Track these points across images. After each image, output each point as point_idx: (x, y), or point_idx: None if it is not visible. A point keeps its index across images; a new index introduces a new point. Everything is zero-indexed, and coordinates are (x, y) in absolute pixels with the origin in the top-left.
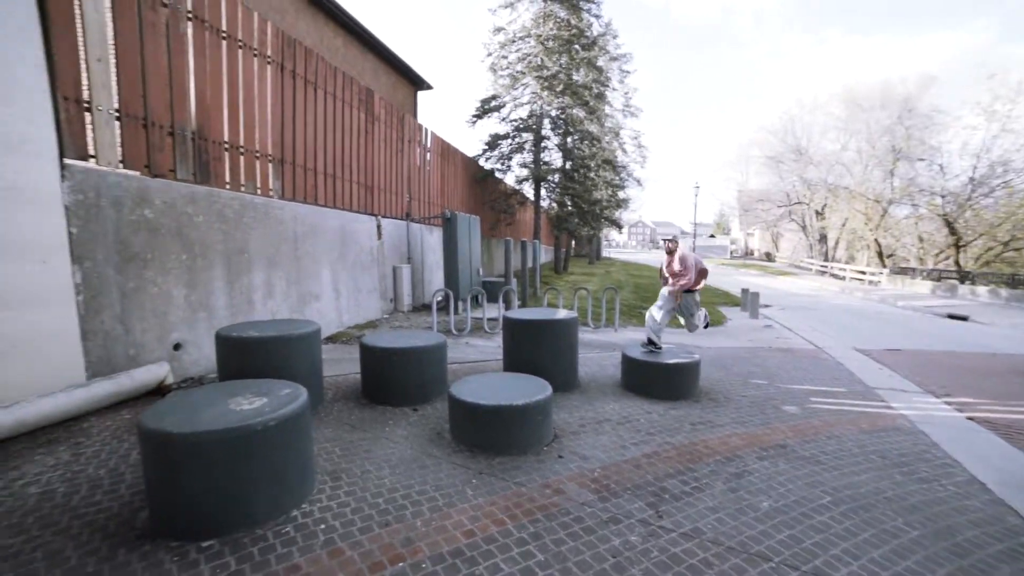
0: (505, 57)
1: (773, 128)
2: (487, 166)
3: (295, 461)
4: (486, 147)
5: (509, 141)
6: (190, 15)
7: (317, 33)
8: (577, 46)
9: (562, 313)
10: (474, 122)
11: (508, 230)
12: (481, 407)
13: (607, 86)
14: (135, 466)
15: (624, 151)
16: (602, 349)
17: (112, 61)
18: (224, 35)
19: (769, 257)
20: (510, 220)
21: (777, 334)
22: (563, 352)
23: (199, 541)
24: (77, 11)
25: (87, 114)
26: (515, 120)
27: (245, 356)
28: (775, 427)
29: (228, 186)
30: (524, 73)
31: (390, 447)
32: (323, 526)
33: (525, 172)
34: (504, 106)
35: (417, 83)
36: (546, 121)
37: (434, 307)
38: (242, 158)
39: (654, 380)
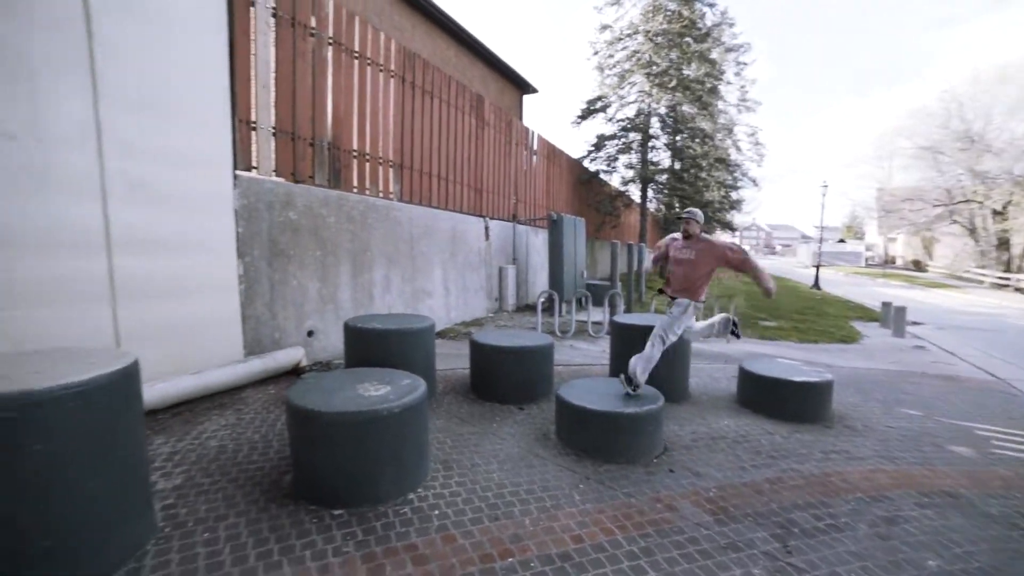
0: (612, 56)
1: (931, 112)
2: (592, 167)
3: (413, 447)
4: (591, 148)
5: (615, 141)
6: (331, 41)
7: (432, 45)
8: (689, 39)
9: None
10: (579, 123)
11: (613, 232)
12: (589, 412)
13: (721, 79)
14: (280, 435)
15: (738, 148)
16: (713, 360)
17: (272, 86)
18: (356, 55)
19: (918, 266)
20: (615, 222)
21: (933, 357)
22: (673, 361)
23: (331, 509)
24: (252, 49)
25: (253, 132)
26: (622, 120)
27: (369, 345)
28: (939, 470)
29: (355, 190)
30: (632, 71)
31: (498, 443)
32: (437, 512)
33: (631, 173)
34: (610, 106)
35: (522, 87)
36: (654, 119)
37: (539, 308)
38: (367, 164)
39: (777, 398)
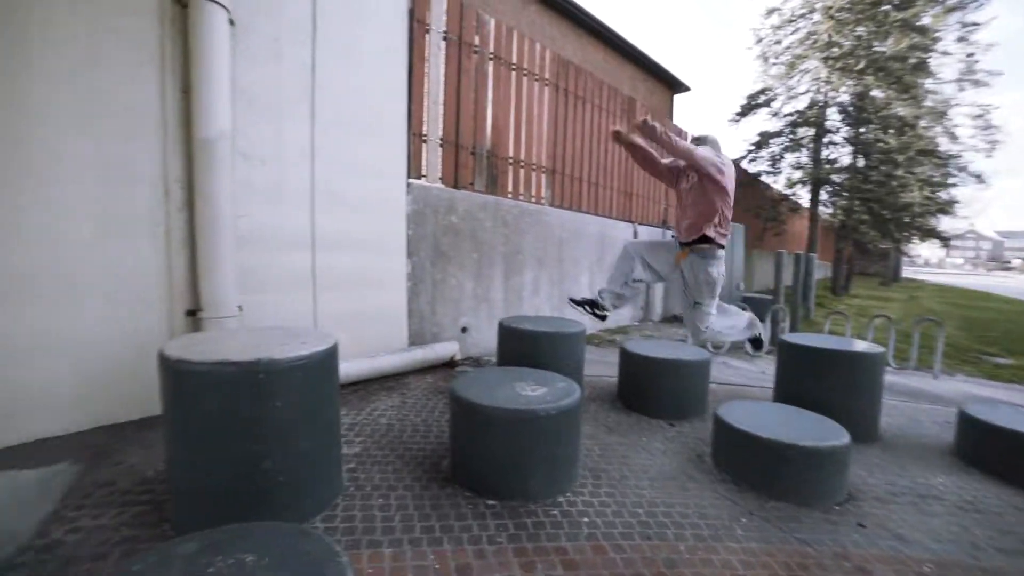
0: (778, 42)
1: None
2: (752, 169)
3: (566, 451)
4: (752, 148)
5: (781, 139)
6: (491, 56)
7: (581, 51)
8: (887, 6)
9: (862, 344)
10: (737, 121)
11: (775, 241)
12: (755, 438)
13: (932, 51)
14: (438, 421)
15: (953, 136)
16: (911, 398)
17: (441, 102)
18: (514, 67)
19: None
20: (778, 229)
21: None
22: (861, 393)
23: (485, 498)
24: (426, 70)
25: (423, 144)
26: (789, 114)
27: (521, 345)
28: None
29: (510, 195)
30: (804, 56)
31: (648, 458)
32: (586, 519)
33: (799, 174)
34: (775, 99)
35: (673, 86)
36: (831, 111)
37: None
38: (522, 170)
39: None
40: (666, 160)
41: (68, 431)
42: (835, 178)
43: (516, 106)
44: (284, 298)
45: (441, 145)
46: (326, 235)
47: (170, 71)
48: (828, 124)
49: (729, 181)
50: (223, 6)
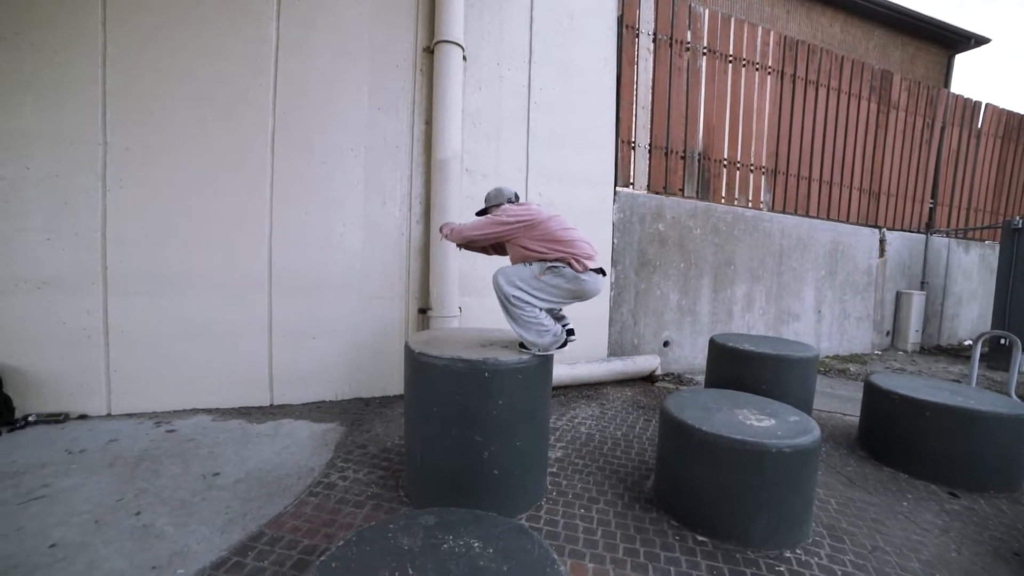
0: None
1: None
2: None
3: (797, 498)
4: None
5: None
6: (705, 50)
7: (811, 27)
8: None
9: None
10: None
11: None
12: None
13: None
14: (640, 437)
15: None
16: None
17: (649, 106)
18: (731, 58)
19: None
20: None
21: None
22: None
23: (694, 532)
24: (634, 75)
25: (631, 151)
26: None
27: (737, 367)
28: None
29: (723, 200)
30: None
31: (915, 533)
32: None
33: None
34: None
35: (952, 43)
36: None
37: (975, 354)
38: (737, 173)
39: None
40: (505, 227)
41: (337, 398)
42: None
43: (732, 102)
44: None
45: (649, 151)
46: None
47: (418, 106)
48: None
49: (516, 219)
50: (459, 45)
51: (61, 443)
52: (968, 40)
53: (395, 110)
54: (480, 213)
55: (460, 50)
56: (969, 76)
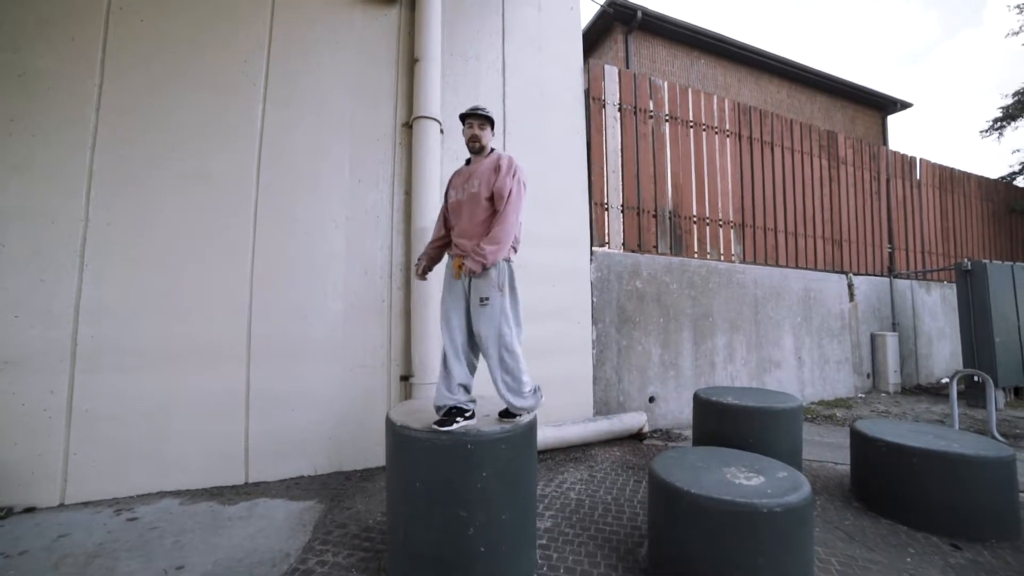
0: None
1: None
2: None
3: (795, 560)
4: None
5: None
6: (667, 117)
7: (760, 93)
8: None
9: None
10: (999, 128)
11: None
12: None
13: None
14: (630, 499)
15: None
16: None
17: (619, 169)
18: (691, 124)
19: None
20: None
21: None
22: None
23: None
24: (603, 141)
25: (605, 212)
26: None
27: (723, 422)
28: None
29: (696, 255)
30: None
31: None
32: None
33: None
34: None
35: (882, 107)
36: None
37: (953, 394)
38: (707, 228)
39: None
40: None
41: (316, 472)
42: None
43: (697, 162)
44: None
45: (622, 211)
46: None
47: (398, 177)
48: None
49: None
50: (436, 120)
51: None
52: (895, 104)
53: (375, 182)
54: (475, 151)
55: (437, 124)
56: (902, 135)
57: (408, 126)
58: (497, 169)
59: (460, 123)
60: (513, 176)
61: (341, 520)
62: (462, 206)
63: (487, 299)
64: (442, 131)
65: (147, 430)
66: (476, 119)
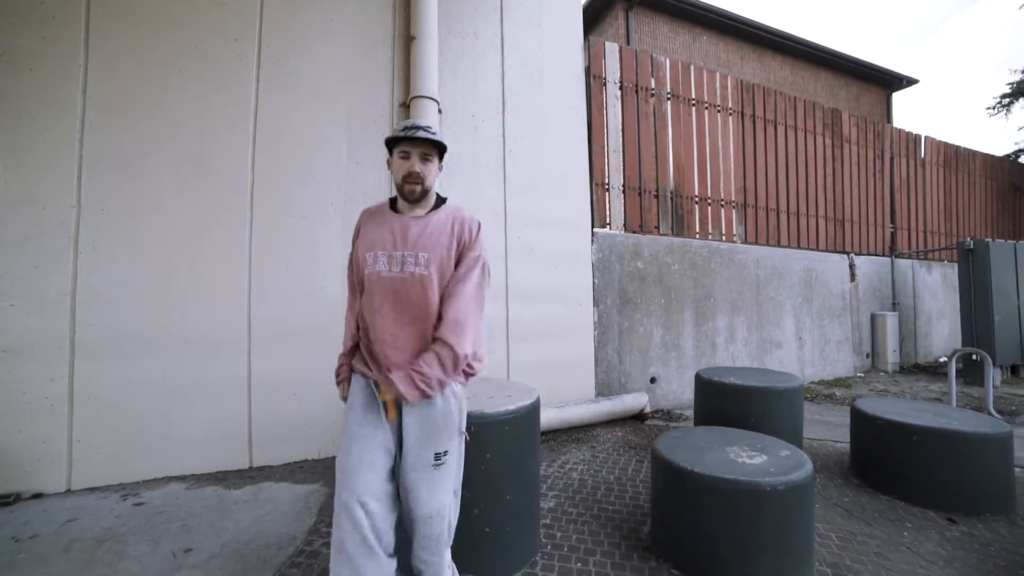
0: None
1: None
2: None
3: (797, 537)
4: None
5: None
6: (669, 95)
7: (763, 71)
8: None
9: None
10: (1007, 105)
11: None
12: None
13: None
14: (633, 479)
15: None
16: None
17: (620, 149)
18: (693, 102)
19: None
20: None
21: None
22: None
23: None
24: (604, 121)
25: (606, 193)
26: None
27: (724, 401)
28: None
29: (698, 235)
30: None
31: (920, 566)
32: None
33: None
34: None
35: (888, 83)
36: None
37: (951, 372)
38: (709, 208)
39: None
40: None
41: (321, 455)
42: None
43: (699, 142)
44: (489, 347)
45: (623, 192)
46: (517, 288)
47: None
48: None
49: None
50: (434, 99)
51: (8, 529)
52: (901, 81)
53: (373, 164)
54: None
55: (435, 104)
56: (907, 112)
57: (405, 106)
58: (460, 239)
59: (387, 150)
60: (481, 252)
61: None
62: (395, 290)
63: (444, 454)
64: (440, 111)
65: (150, 416)
66: (417, 146)
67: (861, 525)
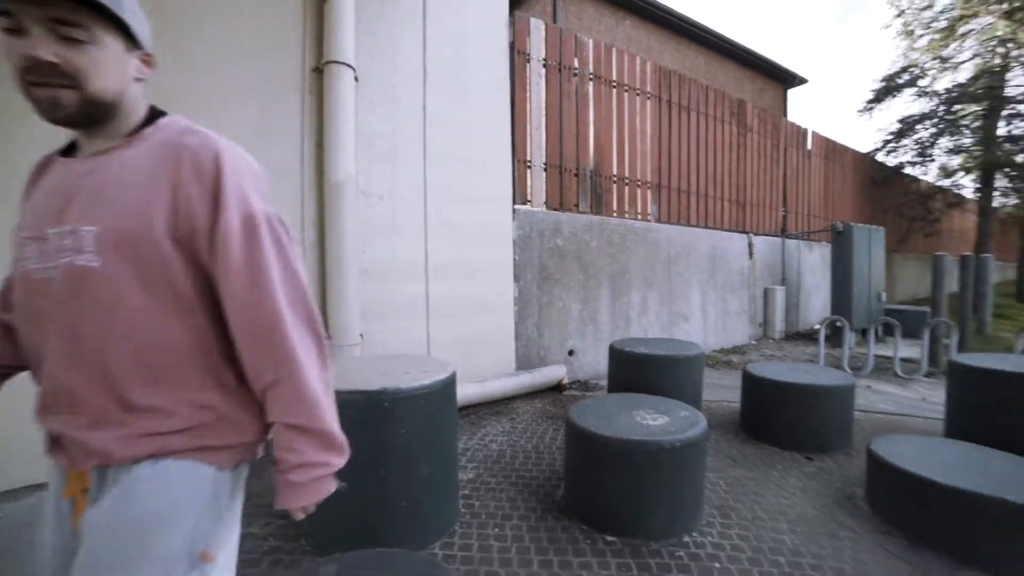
0: (929, 6)
1: None
2: (892, 161)
3: (691, 486)
4: (891, 137)
5: (932, 121)
6: (591, 76)
7: (680, 58)
8: None
9: None
10: (871, 108)
11: (926, 243)
12: (937, 486)
13: None
14: (550, 447)
15: None
16: None
17: (543, 127)
18: (614, 84)
19: None
20: (929, 230)
21: None
22: None
23: (603, 533)
24: (527, 97)
25: (528, 170)
26: (942, 91)
27: (634, 370)
28: None
29: (615, 214)
30: (968, 16)
31: (784, 497)
32: (717, 564)
33: (958, 160)
34: (922, 76)
35: (785, 80)
36: (1015, 74)
37: (821, 337)
38: (627, 188)
39: None
40: None
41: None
42: (1020, 159)
43: (618, 123)
44: (399, 325)
45: (545, 169)
46: (437, 264)
47: (308, 128)
48: (1009, 92)
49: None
50: (350, 66)
51: None
52: (794, 79)
53: (284, 133)
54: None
55: (351, 71)
56: (798, 108)
57: (318, 71)
58: (182, 189)
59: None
60: (252, 205)
61: (256, 490)
62: (59, 291)
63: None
64: (356, 79)
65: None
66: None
67: (743, 471)
